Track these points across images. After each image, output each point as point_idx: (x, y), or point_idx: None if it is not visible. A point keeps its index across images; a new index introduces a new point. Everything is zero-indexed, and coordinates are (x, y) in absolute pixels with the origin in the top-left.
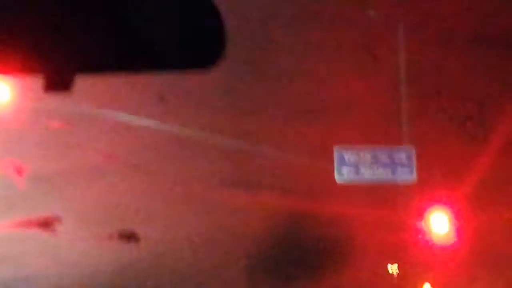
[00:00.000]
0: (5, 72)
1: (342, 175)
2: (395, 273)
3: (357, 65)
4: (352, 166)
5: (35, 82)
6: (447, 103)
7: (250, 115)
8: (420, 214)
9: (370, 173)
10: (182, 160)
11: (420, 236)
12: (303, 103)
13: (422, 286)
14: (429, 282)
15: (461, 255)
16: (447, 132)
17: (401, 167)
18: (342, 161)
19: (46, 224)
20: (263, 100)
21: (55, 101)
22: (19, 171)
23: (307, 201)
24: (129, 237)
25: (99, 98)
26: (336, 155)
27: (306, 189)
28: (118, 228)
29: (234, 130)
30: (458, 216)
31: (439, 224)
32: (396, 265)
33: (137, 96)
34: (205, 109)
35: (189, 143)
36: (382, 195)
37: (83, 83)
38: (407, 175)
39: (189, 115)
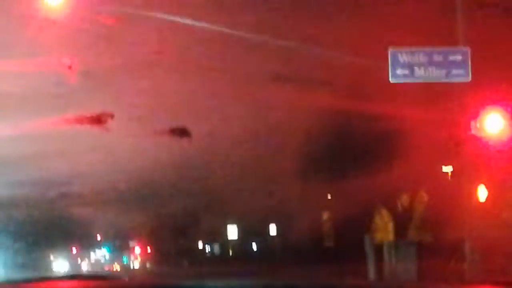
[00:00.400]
0: None
1: (396, 75)
2: (449, 173)
3: None
4: (406, 67)
5: None
6: None
7: (303, 13)
8: (475, 114)
9: (424, 74)
10: (232, 57)
11: (474, 136)
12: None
13: (476, 187)
14: (483, 183)
15: None
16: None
17: (455, 68)
18: (397, 62)
19: (98, 120)
20: None
21: None
22: (71, 67)
23: (359, 99)
24: (181, 132)
25: None
26: (390, 56)
27: (359, 88)
28: (169, 124)
29: (286, 28)
30: None
31: (493, 124)
32: (450, 167)
33: None
34: (255, 6)
35: (239, 40)
36: (436, 95)
37: None
38: (461, 76)
39: (238, 11)
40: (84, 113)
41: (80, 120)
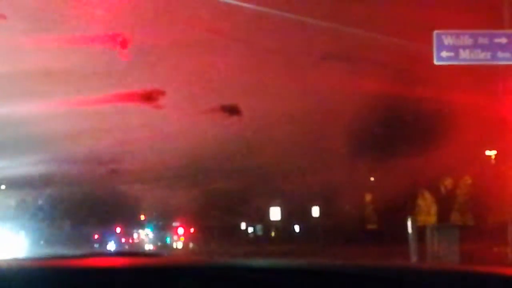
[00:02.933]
0: None
1: (441, 58)
2: (493, 157)
3: None
4: (451, 50)
5: None
6: None
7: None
8: None
9: (469, 56)
10: (283, 36)
11: None
12: None
13: None
14: None
15: None
16: None
17: (501, 51)
18: (441, 44)
19: (149, 97)
20: None
21: None
22: (123, 44)
23: (405, 81)
24: (231, 110)
25: None
26: (435, 38)
27: (405, 70)
28: (220, 101)
29: (334, 9)
30: None
31: None
32: (494, 151)
33: None
34: None
35: (290, 20)
36: (482, 78)
37: None
38: (507, 59)
39: None
40: (135, 90)
41: (131, 97)
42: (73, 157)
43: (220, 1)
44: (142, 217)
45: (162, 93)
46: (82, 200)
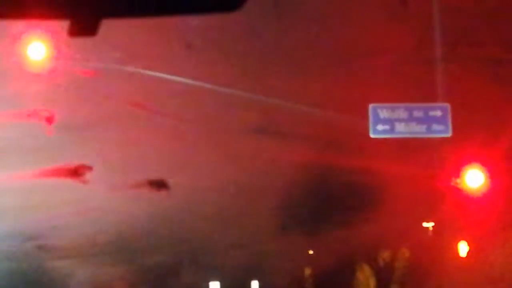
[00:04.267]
0: (34, 17)
1: (377, 131)
2: (430, 228)
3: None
4: (387, 123)
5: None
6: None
7: (280, 67)
8: (456, 170)
9: (405, 129)
10: (210, 109)
11: (455, 192)
12: (336, 51)
13: (457, 243)
14: (464, 240)
15: (496, 212)
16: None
17: (436, 124)
18: (377, 118)
19: (76, 172)
20: (292, 51)
21: (83, 49)
22: (48, 120)
23: (340, 154)
24: (159, 185)
25: (126, 46)
26: (371, 112)
27: (338, 142)
28: (148, 176)
29: (262, 83)
30: (493, 172)
31: (474, 181)
32: (432, 223)
33: (164, 43)
34: (234, 59)
35: (217, 93)
36: (417, 150)
37: (109, 30)
38: (442, 131)
39: (216, 63)
40: (62, 166)
41: (57, 173)
42: None
43: (145, 74)
44: None
45: (88, 168)
46: (17, 279)
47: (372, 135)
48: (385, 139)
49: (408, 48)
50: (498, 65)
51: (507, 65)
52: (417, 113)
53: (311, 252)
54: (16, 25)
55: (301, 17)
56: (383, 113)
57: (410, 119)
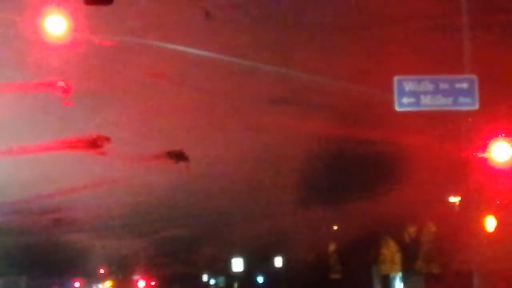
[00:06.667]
0: None
1: (402, 104)
2: (457, 203)
3: None
4: (412, 96)
5: None
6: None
7: (303, 38)
8: (483, 143)
9: (430, 102)
10: (230, 80)
11: (482, 166)
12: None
13: (484, 217)
14: (492, 214)
15: None
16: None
17: (462, 96)
18: (402, 91)
19: (94, 144)
20: (315, 22)
21: (101, 21)
22: (65, 91)
23: (367, 127)
24: (178, 156)
25: (145, 15)
26: (396, 84)
27: (363, 114)
28: (167, 148)
29: (284, 54)
30: None
31: (501, 154)
32: (458, 197)
33: (182, 13)
34: (253, 27)
35: (237, 63)
36: (443, 124)
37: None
38: (469, 104)
39: (236, 33)
40: (79, 137)
41: (75, 144)
42: (16, 207)
43: (165, 47)
44: (102, 271)
45: (107, 139)
46: (36, 254)
47: (397, 108)
48: (410, 111)
49: (433, 17)
50: None
51: None
52: (443, 86)
53: (335, 227)
54: None
55: None
56: (409, 86)
57: (436, 91)
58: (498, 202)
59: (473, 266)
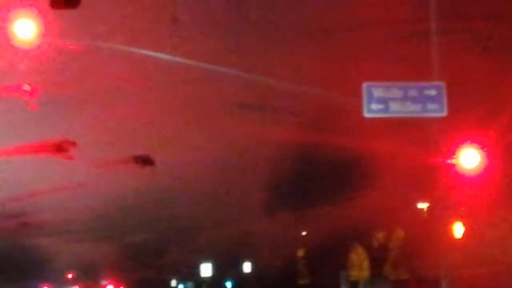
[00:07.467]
0: None
1: (371, 110)
2: (425, 209)
3: None
4: (381, 102)
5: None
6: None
7: (268, 43)
8: (451, 150)
9: (399, 109)
10: (196, 84)
11: (450, 173)
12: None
13: (452, 223)
14: (459, 220)
15: (491, 192)
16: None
17: (431, 103)
18: (371, 97)
19: (60, 148)
20: (281, 27)
21: (68, 25)
22: (32, 94)
23: (331, 131)
24: (144, 161)
25: (111, 19)
26: (365, 91)
27: (330, 120)
28: (132, 152)
29: (250, 59)
30: (488, 152)
31: (469, 160)
32: (426, 203)
33: (149, 17)
34: (219, 32)
35: (203, 68)
36: (412, 130)
37: (93, 4)
38: (437, 111)
39: (202, 38)
40: (45, 141)
41: (41, 148)
42: None
43: (132, 52)
44: (70, 275)
45: (72, 143)
46: (2, 258)
47: (366, 115)
48: (379, 118)
49: (402, 23)
50: (489, 40)
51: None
52: (412, 92)
53: (304, 233)
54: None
55: None
56: (377, 92)
57: (405, 98)
58: (463, 209)
59: (441, 272)
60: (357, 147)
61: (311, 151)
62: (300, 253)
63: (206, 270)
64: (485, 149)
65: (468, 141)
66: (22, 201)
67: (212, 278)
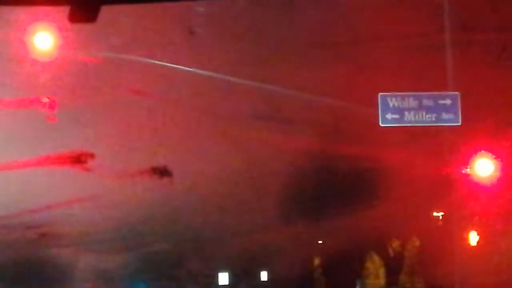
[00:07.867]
0: (37, 3)
1: (386, 120)
2: (440, 217)
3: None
4: (396, 112)
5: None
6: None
7: (286, 55)
8: (466, 159)
9: (414, 118)
10: (214, 97)
11: (465, 182)
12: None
13: (467, 232)
14: (474, 229)
15: (506, 201)
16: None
17: (446, 112)
18: (386, 107)
19: (78, 160)
20: (299, 38)
21: (86, 37)
22: (50, 107)
23: (347, 141)
24: (162, 172)
25: (129, 32)
26: (380, 101)
27: (347, 130)
28: (150, 164)
29: (268, 71)
30: (503, 161)
31: (484, 169)
32: (442, 212)
33: (166, 30)
34: (236, 44)
35: (221, 79)
36: (427, 140)
37: (111, 17)
38: (452, 120)
39: (220, 50)
40: (63, 153)
41: (60, 160)
42: (0, 222)
43: (150, 64)
44: (89, 286)
45: (91, 155)
46: (21, 269)
47: (381, 124)
48: (394, 127)
49: (417, 35)
50: (503, 51)
51: None
52: (427, 102)
53: (320, 241)
54: (21, 14)
55: (308, 2)
56: (393, 102)
57: (420, 108)
58: (477, 218)
59: (456, 280)
60: (372, 157)
61: (328, 161)
62: (317, 262)
63: (223, 279)
64: (500, 158)
65: (483, 151)
66: (40, 212)
67: (230, 287)
